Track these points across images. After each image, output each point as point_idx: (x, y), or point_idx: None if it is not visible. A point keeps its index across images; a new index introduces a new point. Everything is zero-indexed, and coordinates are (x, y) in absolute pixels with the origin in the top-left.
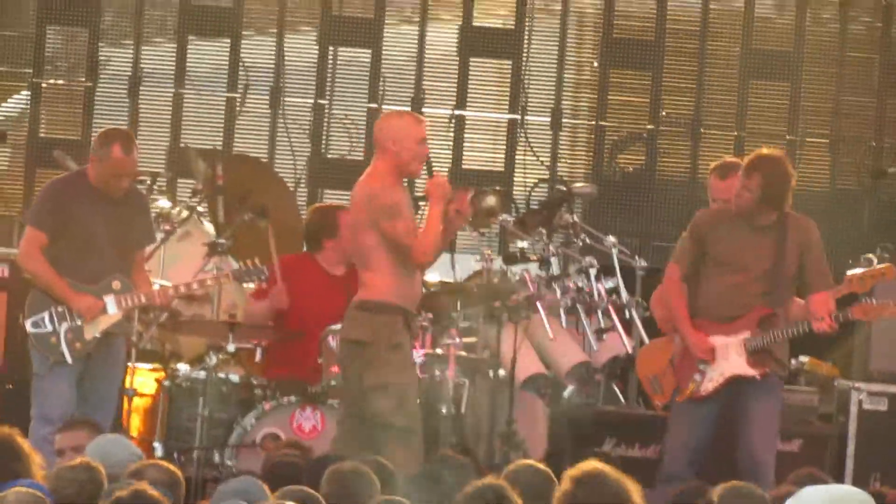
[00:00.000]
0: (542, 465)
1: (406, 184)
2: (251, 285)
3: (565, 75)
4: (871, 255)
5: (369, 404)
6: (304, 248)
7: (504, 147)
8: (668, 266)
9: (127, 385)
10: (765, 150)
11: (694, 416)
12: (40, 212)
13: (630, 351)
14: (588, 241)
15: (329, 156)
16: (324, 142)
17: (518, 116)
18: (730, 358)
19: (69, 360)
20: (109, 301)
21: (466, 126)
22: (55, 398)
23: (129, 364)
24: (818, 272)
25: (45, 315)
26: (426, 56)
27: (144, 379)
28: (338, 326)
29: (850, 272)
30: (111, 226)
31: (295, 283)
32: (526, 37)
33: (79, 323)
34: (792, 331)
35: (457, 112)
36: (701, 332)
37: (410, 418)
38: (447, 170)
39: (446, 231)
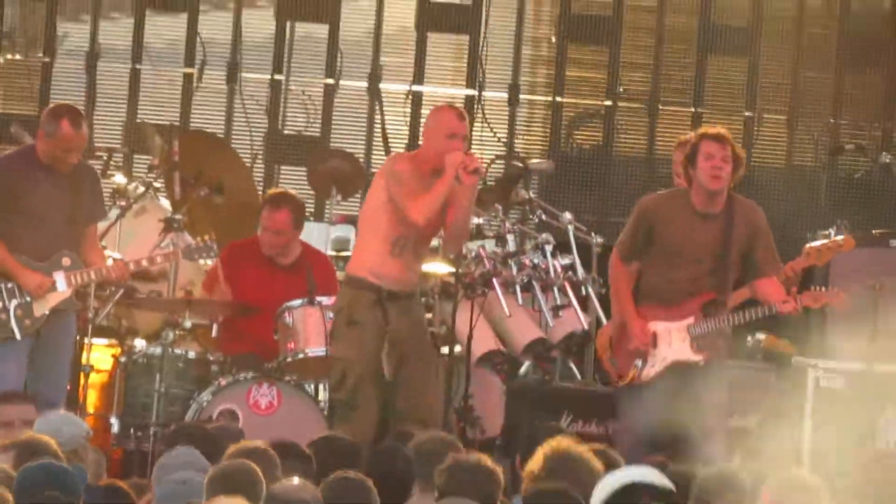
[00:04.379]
0: (446, 435)
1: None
2: (209, 262)
3: (523, 51)
4: (828, 231)
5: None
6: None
7: None
8: (613, 251)
9: (83, 361)
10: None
11: (637, 401)
12: None
13: (586, 327)
14: (544, 217)
15: (286, 131)
16: (280, 117)
17: (475, 92)
18: (672, 344)
19: (18, 336)
20: (59, 278)
21: (424, 101)
22: (4, 375)
23: (86, 340)
24: (767, 258)
25: None
26: (384, 31)
27: (101, 354)
28: (294, 303)
29: (808, 245)
30: (60, 201)
31: (242, 271)
32: (483, 12)
33: (28, 300)
34: (739, 318)
35: (414, 87)
36: (644, 316)
37: (352, 395)
38: (404, 145)
39: (464, 195)
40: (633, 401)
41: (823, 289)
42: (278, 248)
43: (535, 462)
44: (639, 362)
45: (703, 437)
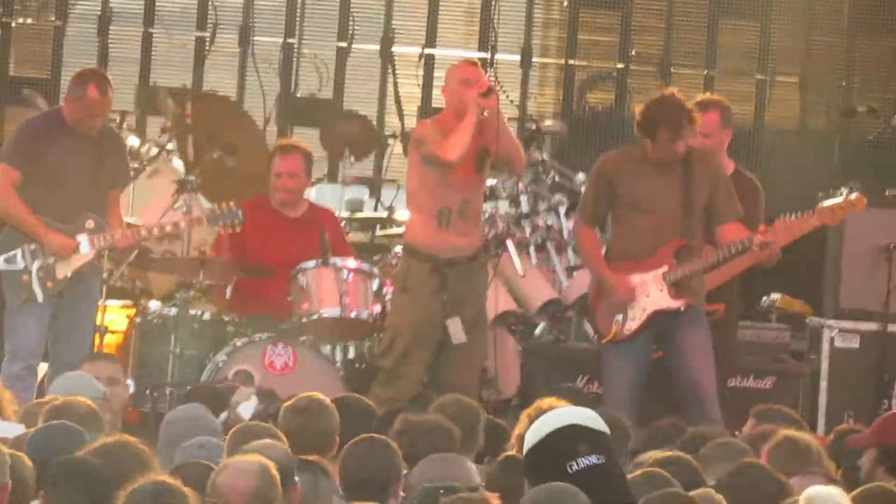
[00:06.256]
0: (466, 399)
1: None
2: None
3: (535, 14)
4: (840, 192)
5: None
6: None
7: None
8: (574, 218)
9: (98, 322)
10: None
11: (623, 357)
12: (15, 150)
13: None
14: (557, 178)
15: (298, 94)
16: (293, 80)
17: (488, 55)
18: (650, 293)
19: (40, 298)
20: (83, 240)
21: (436, 64)
22: (24, 335)
23: (100, 301)
24: (727, 203)
25: (18, 252)
26: None
27: (115, 316)
28: (308, 263)
29: (820, 204)
30: (86, 165)
31: (253, 228)
32: None
33: (51, 261)
34: (713, 258)
35: (426, 50)
36: (619, 273)
37: (398, 362)
38: (416, 108)
39: (492, 121)
40: (619, 358)
41: (793, 216)
42: (293, 194)
43: (521, 425)
44: (619, 318)
45: (697, 383)
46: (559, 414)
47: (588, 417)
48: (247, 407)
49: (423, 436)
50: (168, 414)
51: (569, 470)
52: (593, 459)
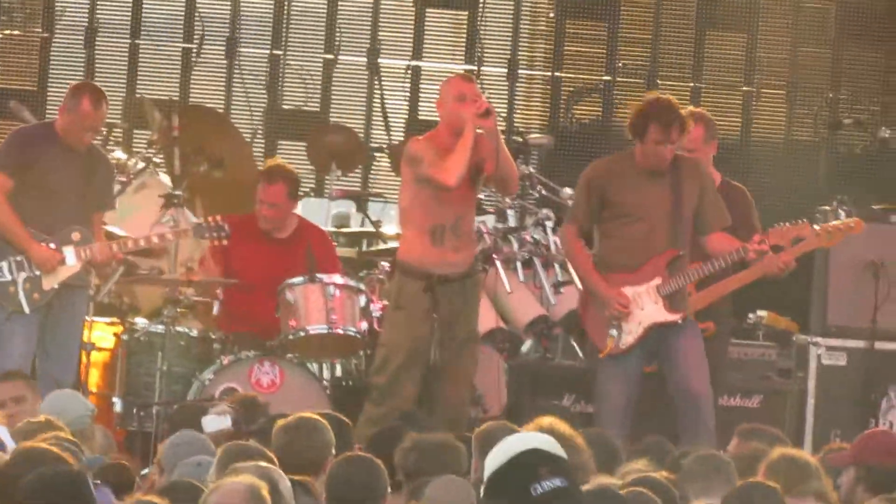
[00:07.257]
0: (511, 424)
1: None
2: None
3: (521, 26)
4: (828, 207)
5: None
6: None
7: None
8: (563, 227)
9: (85, 339)
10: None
11: (617, 372)
12: (6, 157)
13: None
14: (544, 192)
15: (285, 107)
16: (279, 92)
17: (474, 67)
18: (645, 307)
19: (26, 310)
20: (69, 252)
21: (422, 77)
22: (12, 348)
23: (87, 318)
24: (716, 211)
25: (4, 264)
26: (382, 6)
27: (102, 333)
28: (296, 280)
29: (817, 226)
30: (75, 179)
31: (238, 246)
32: None
33: (37, 273)
34: (707, 269)
35: (413, 63)
36: (611, 284)
37: (391, 381)
38: (403, 121)
39: (489, 141)
40: (613, 372)
41: (787, 224)
42: (275, 222)
43: None
44: (614, 332)
45: (692, 391)
46: (518, 439)
47: (546, 442)
48: (212, 421)
49: (432, 454)
50: (172, 437)
51: (533, 493)
52: (556, 482)
